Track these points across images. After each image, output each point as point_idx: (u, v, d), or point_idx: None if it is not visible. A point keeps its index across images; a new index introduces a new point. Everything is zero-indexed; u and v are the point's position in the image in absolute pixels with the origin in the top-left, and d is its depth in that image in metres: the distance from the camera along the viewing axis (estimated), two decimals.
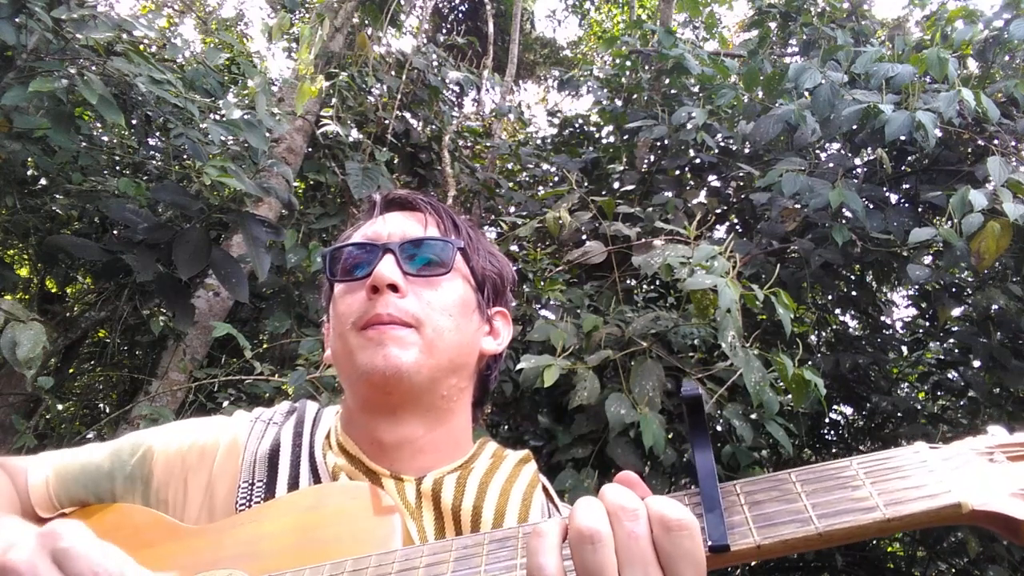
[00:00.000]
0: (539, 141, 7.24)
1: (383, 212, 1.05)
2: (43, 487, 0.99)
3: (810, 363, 4.29)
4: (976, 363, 4.67)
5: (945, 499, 0.56)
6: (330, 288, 1.02)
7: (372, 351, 0.90)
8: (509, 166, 6.80)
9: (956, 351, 5.02)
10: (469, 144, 6.79)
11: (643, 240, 4.08)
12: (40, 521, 0.98)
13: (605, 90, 6.26)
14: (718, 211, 4.99)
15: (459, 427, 1.00)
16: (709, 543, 0.59)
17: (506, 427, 4.46)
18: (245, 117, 3.42)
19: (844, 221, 4.14)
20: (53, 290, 4.81)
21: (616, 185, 5.49)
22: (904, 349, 5.49)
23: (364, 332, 0.91)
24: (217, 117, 3.55)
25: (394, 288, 0.92)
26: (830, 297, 5.36)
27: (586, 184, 5.38)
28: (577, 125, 6.75)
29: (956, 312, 4.83)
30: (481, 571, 0.65)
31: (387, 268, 0.92)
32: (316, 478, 0.93)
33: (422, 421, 0.94)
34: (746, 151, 5.08)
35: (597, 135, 6.55)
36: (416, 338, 0.91)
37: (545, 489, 0.99)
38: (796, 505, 0.59)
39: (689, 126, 4.94)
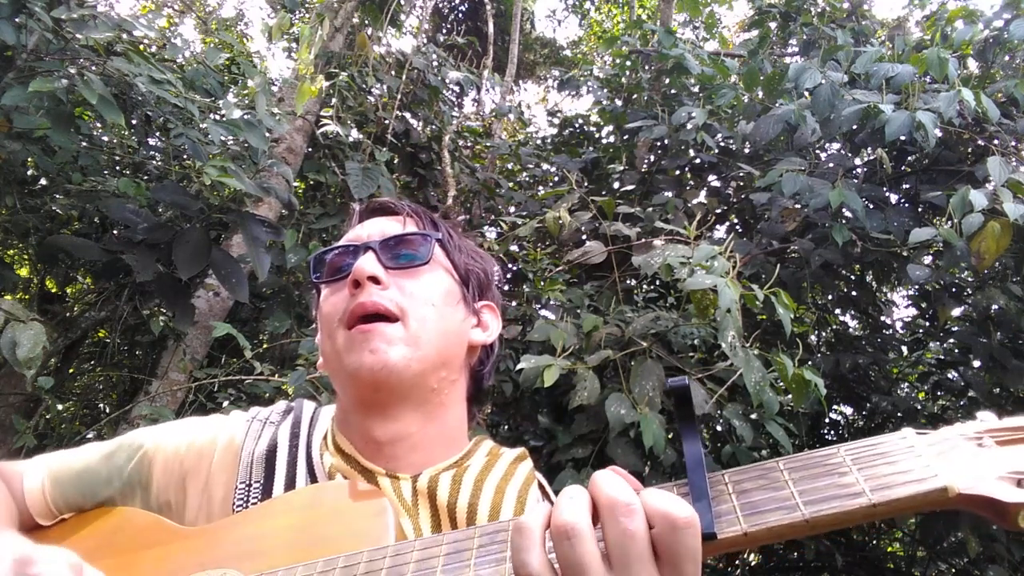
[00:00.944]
0: (539, 141, 7.24)
1: (363, 219, 1.07)
2: (39, 494, 0.99)
3: (810, 363, 4.29)
4: (976, 363, 4.67)
5: (931, 483, 0.56)
6: (318, 295, 1.03)
7: (359, 349, 0.90)
8: (509, 166, 6.80)
9: (956, 351, 5.01)
10: (469, 144, 6.78)
11: (643, 240, 4.07)
12: (39, 528, 0.99)
13: (605, 90, 6.26)
14: (718, 211, 4.98)
15: (453, 422, 1.00)
16: None
17: (506, 427, 4.46)
18: (245, 117, 3.43)
19: (844, 221, 4.13)
20: (53, 290, 4.81)
21: (616, 185, 5.49)
22: (904, 349, 5.48)
23: (350, 331, 0.92)
24: (217, 117, 3.55)
25: (375, 280, 0.93)
26: (830, 297, 5.36)
27: (586, 184, 5.38)
28: (577, 125, 6.75)
29: (956, 312, 4.83)
30: (471, 565, 0.65)
31: (367, 263, 0.93)
32: (313, 478, 0.94)
33: (414, 416, 0.94)
34: (746, 151, 5.08)
35: (597, 135, 6.55)
36: (402, 332, 0.91)
37: (542, 487, 1.00)
38: (783, 492, 0.59)
39: (689, 126, 4.94)
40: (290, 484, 0.93)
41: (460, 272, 1.03)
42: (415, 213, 1.05)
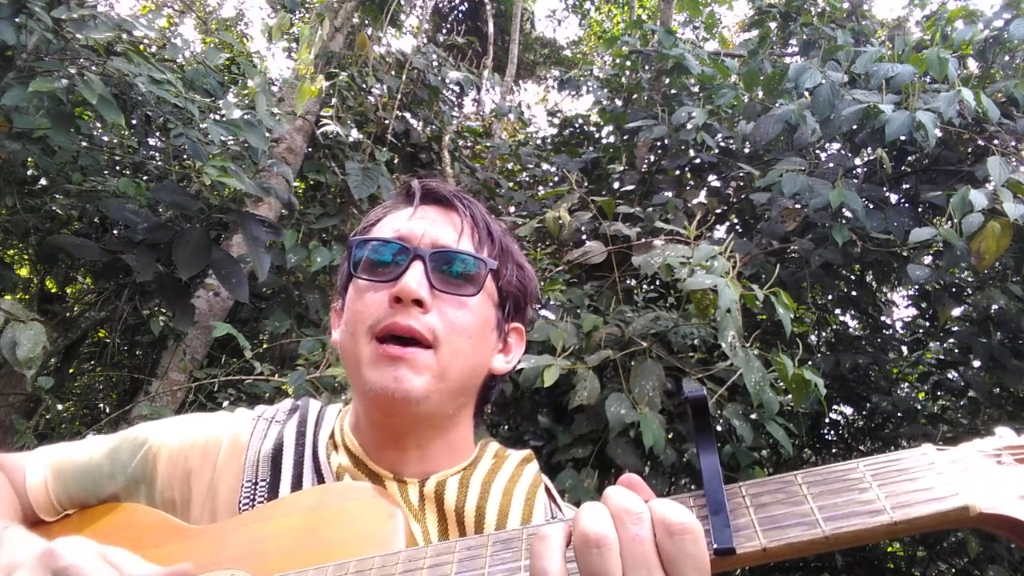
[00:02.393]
0: (539, 141, 7.23)
1: (417, 201, 0.99)
2: (42, 489, 0.98)
3: (810, 363, 4.29)
4: (976, 363, 4.67)
5: (953, 502, 0.55)
6: (348, 273, 0.97)
7: (383, 370, 0.87)
8: (509, 166, 6.80)
9: (956, 351, 5.02)
10: (469, 144, 6.79)
11: (643, 240, 4.07)
12: (42, 524, 0.98)
13: (605, 90, 6.26)
14: (718, 211, 4.98)
15: (461, 436, 0.99)
16: (714, 546, 0.58)
17: (506, 427, 4.46)
18: (245, 117, 3.42)
19: (844, 221, 4.13)
20: (53, 290, 4.81)
21: (616, 185, 5.49)
22: (904, 349, 5.49)
23: (380, 345, 0.88)
24: (217, 117, 3.55)
25: (419, 303, 0.88)
26: (830, 297, 5.37)
27: (586, 184, 5.37)
28: (577, 125, 6.74)
29: (956, 312, 4.83)
30: (485, 572, 0.65)
31: (414, 280, 0.88)
32: (320, 478, 0.93)
33: (425, 437, 0.94)
34: (746, 151, 5.07)
35: (597, 135, 6.55)
36: (432, 361, 0.88)
37: (547, 489, 0.99)
38: (802, 508, 0.59)
39: (689, 126, 4.93)
40: (296, 483, 0.92)
41: (502, 296, 0.99)
42: (472, 217, 0.98)
